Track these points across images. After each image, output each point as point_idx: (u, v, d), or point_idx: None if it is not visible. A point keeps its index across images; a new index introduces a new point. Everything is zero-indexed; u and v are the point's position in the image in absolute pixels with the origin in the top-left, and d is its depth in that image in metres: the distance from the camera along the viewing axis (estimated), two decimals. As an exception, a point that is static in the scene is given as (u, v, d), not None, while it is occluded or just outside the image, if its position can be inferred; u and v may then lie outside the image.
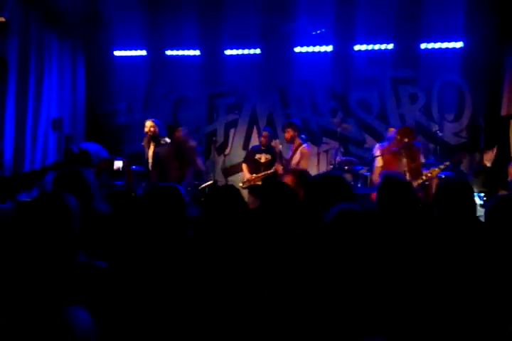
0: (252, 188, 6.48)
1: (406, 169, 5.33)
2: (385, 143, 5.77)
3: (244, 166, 6.81)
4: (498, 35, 6.90)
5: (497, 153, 6.14)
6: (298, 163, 6.18)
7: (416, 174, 5.23)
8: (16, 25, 6.66)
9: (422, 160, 5.76)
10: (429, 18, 7.22)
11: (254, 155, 6.65)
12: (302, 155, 6.16)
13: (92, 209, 2.75)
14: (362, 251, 1.75)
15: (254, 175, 6.51)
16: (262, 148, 6.65)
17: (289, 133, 6.27)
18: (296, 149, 6.25)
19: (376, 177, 5.49)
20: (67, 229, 2.06)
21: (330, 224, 1.83)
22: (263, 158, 6.59)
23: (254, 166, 6.59)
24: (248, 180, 6.53)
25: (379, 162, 5.58)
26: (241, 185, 6.61)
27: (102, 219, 2.74)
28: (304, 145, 6.27)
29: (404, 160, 5.37)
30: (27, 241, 2.02)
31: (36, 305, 0.96)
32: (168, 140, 6.12)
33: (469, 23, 7.05)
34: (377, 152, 5.69)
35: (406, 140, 5.37)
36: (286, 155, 6.55)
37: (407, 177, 5.23)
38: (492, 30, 6.90)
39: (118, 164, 4.21)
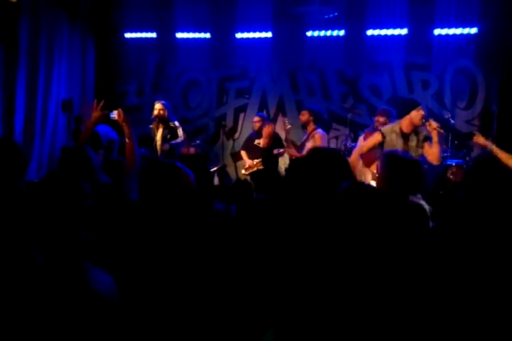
0: (254, 174, 6.47)
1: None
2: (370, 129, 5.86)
3: (243, 153, 6.76)
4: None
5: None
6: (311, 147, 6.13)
7: None
8: (27, 6, 6.63)
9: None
10: (443, 3, 7.11)
11: (253, 141, 6.60)
12: (315, 140, 6.04)
13: (94, 182, 2.81)
14: (371, 227, 1.72)
15: (255, 160, 6.49)
16: (259, 133, 6.60)
17: (305, 117, 6.18)
18: (310, 134, 6.18)
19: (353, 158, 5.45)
20: (75, 208, 2.09)
21: (341, 197, 1.81)
22: (262, 142, 6.57)
23: (255, 152, 6.55)
24: (250, 167, 6.50)
25: (361, 142, 5.62)
26: (244, 172, 6.59)
27: (104, 190, 2.80)
28: (318, 130, 6.18)
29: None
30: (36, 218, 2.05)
31: (56, 260, 0.97)
32: (177, 123, 6.10)
33: (484, 8, 6.92)
34: (361, 138, 5.85)
35: (380, 120, 5.54)
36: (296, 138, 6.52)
37: None
38: (507, 16, 6.77)
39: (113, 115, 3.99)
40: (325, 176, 2.32)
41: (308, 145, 6.03)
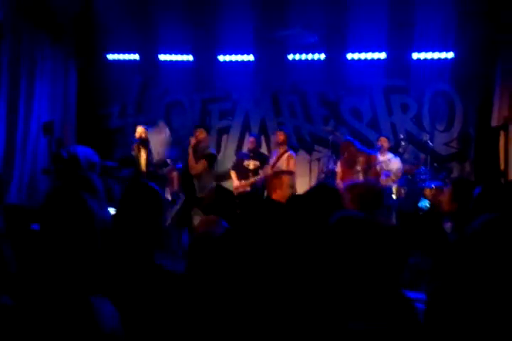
0: (241, 195, 6.49)
1: (361, 177, 5.98)
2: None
3: (232, 173, 6.83)
4: (489, 47, 6.96)
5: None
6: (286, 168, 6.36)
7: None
8: (8, 28, 6.63)
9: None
10: (420, 28, 7.29)
11: (243, 162, 6.68)
12: (289, 161, 6.36)
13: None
14: (361, 257, 1.77)
15: (242, 181, 6.52)
16: (250, 154, 6.70)
17: (282, 136, 6.41)
18: (281, 155, 6.38)
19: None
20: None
21: (332, 229, 1.86)
22: (251, 164, 6.62)
23: (243, 173, 6.62)
24: (237, 187, 6.53)
25: (338, 168, 6.50)
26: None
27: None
28: (290, 151, 6.50)
29: (359, 168, 6.04)
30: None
31: (64, 294, 1.01)
32: None
33: (460, 33, 7.11)
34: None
35: (345, 154, 6.16)
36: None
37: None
38: (482, 41, 6.96)
39: None
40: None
41: (282, 166, 6.37)
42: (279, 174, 6.05)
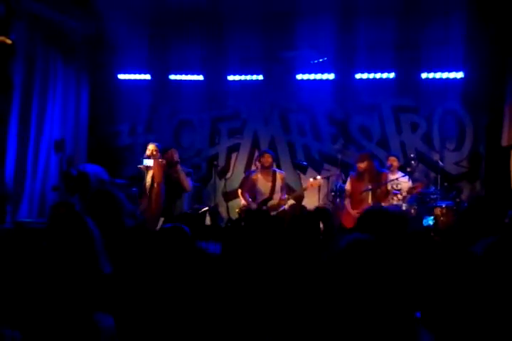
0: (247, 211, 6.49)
1: (370, 194, 5.95)
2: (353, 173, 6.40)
3: (240, 192, 6.79)
4: (498, 66, 6.97)
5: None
6: (282, 188, 6.48)
7: (383, 198, 5.97)
8: (22, 47, 6.75)
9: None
10: (429, 48, 7.32)
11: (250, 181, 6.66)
12: (283, 180, 6.50)
13: (121, 223, 3.06)
14: (370, 280, 1.78)
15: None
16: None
17: (270, 158, 6.48)
18: (274, 176, 6.45)
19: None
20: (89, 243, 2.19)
21: (342, 252, 1.89)
22: None
23: None
24: (245, 206, 6.50)
25: (348, 186, 6.33)
26: (238, 210, 6.60)
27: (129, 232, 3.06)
28: (278, 171, 6.59)
29: (369, 186, 5.97)
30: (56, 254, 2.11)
31: (69, 311, 1.09)
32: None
33: (469, 53, 7.13)
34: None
35: (361, 165, 6.07)
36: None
37: (370, 198, 5.90)
38: (492, 60, 6.98)
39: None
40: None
41: (278, 187, 6.43)
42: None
